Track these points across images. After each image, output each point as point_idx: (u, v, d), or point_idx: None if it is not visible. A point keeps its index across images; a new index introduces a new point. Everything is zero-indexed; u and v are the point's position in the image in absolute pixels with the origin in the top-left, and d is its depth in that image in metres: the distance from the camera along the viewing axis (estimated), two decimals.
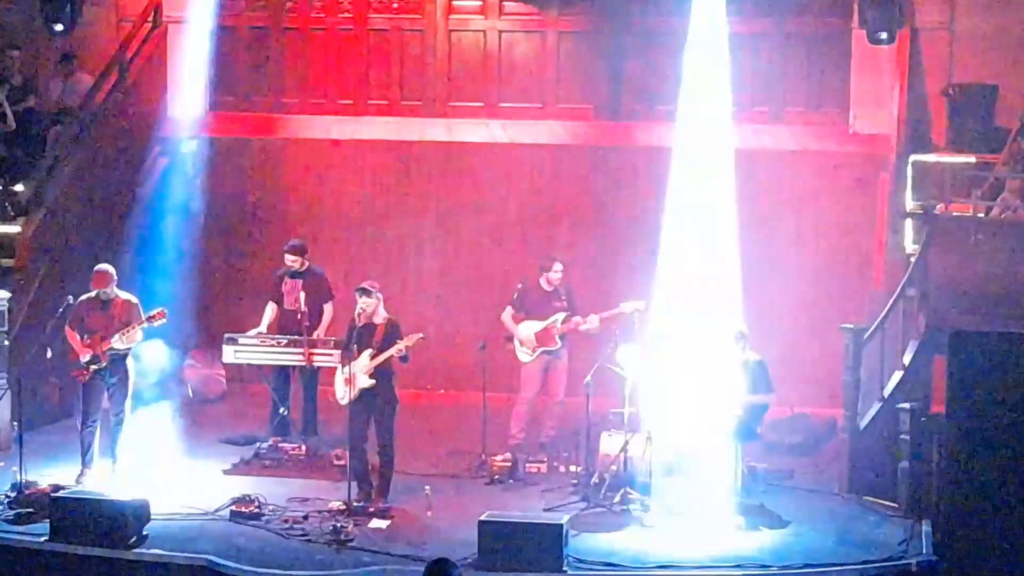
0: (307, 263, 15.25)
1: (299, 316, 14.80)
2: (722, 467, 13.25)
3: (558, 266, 14.83)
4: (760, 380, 13.49)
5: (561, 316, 14.75)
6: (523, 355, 14.85)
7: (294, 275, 15.19)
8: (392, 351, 13.17)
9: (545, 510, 12.88)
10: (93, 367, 13.65)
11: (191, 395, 17.04)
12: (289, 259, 15.19)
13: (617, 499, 13.26)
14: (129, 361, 13.94)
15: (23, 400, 13.73)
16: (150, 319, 13.72)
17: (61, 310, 13.70)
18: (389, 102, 18.25)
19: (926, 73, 16.80)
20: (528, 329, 14.78)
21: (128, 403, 13.88)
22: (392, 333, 13.25)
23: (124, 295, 13.93)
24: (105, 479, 13.49)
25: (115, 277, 13.89)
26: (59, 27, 16.48)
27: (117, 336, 13.63)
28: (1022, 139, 15.56)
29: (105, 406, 13.86)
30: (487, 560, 11.63)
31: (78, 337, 13.71)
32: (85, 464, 13.71)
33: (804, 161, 17.10)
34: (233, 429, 15.61)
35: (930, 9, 16.97)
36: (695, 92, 15.27)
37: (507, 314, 14.93)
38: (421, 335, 13.30)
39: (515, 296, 14.93)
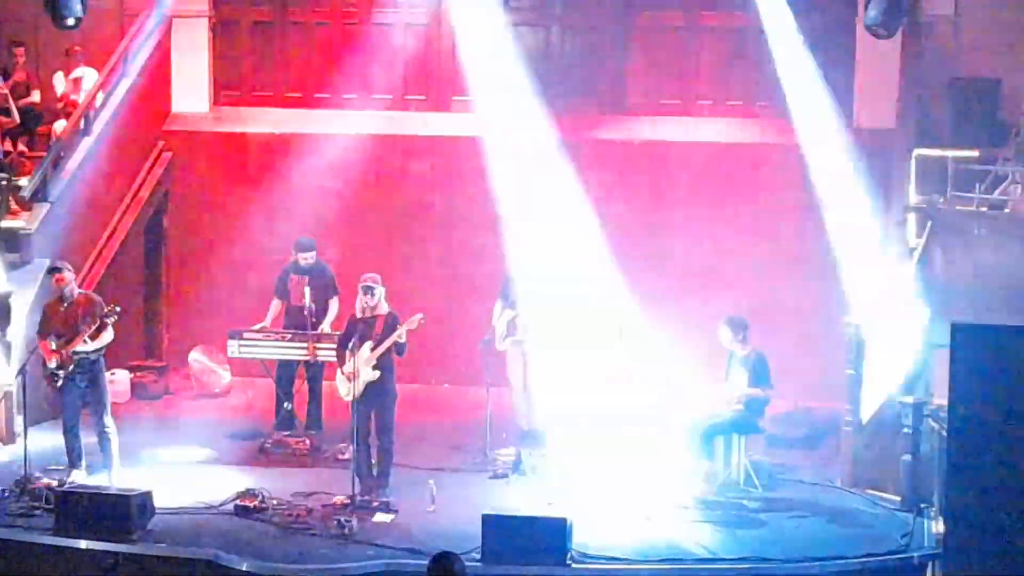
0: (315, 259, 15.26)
1: (305, 312, 14.81)
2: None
3: None
4: (761, 374, 13.50)
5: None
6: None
7: (300, 271, 15.19)
8: (394, 337, 13.24)
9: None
10: (60, 372, 13.28)
11: (195, 389, 17.09)
12: (302, 256, 15.15)
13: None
14: (101, 364, 13.51)
15: (27, 395, 13.70)
16: (104, 316, 13.24)
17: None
18: (393, 96, 18.26)
19: (930, 67, 16.77)
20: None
21: (108, 414, 13.44)
22: (392, 324, 13.33)
23: (85, 293, 13.57)
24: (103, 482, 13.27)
25: (73, 274, 13.59)
26: (64, 22, 16.46)
27: (81, 337, 13.19)
28: None
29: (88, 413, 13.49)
30: (491, 554, 11.65)
31: (50, 344, 13.30)
32: (73, 465, 13.43)
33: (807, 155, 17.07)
34: (237, 423, 15.64)
35: (934, 3, 16.95)
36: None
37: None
38: (421, 316, 13.38)
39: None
